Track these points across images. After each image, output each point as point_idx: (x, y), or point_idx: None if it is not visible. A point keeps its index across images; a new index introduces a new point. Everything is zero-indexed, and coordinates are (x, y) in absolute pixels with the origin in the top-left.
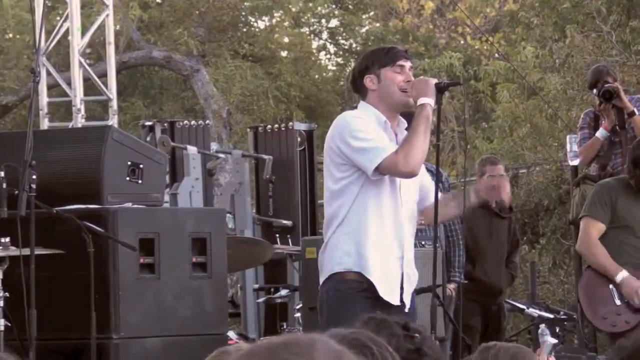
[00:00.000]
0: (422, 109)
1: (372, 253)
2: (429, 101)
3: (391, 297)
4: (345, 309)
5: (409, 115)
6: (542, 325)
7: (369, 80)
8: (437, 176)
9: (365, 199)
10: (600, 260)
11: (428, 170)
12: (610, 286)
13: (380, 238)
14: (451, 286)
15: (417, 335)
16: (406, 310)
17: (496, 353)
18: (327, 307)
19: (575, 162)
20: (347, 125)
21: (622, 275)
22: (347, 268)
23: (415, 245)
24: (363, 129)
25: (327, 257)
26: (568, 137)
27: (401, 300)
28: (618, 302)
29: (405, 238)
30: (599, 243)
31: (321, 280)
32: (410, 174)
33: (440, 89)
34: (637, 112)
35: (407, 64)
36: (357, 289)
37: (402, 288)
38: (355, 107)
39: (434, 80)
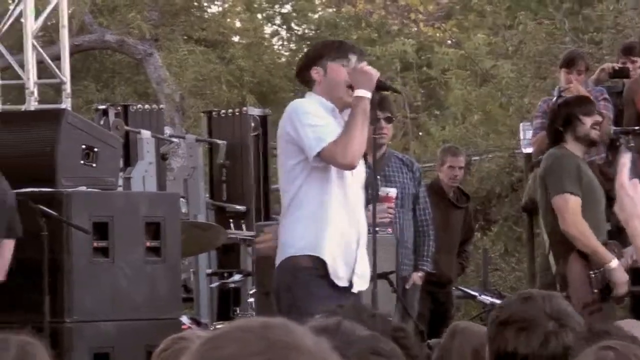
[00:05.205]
0: (359, 101)
1: (328, 237)
2: (366, 94)
3: (341, 281)
4: (304, 293)
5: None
6: None
7: (314, 72)
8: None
9: (319, 183)
10: (594, 243)
11: (398, 158)
12: (591, 273)
13: (337, 222)
14: (419, 274)
15: (401, 332)
16: (353, 291)
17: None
18: (284, 291)
19: (529, 150)
20: (297, 110)
21: (616, 261)
22: (302, 252)
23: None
24: (312, 113)
25: (282, 242)
26: (521, 125)
27: (350, 282)
28: (595, 290)
29: (360, 222)
30: (587, 225)
31: (277, 263)
32: (349, 166)
33: (379, 87)
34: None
35: (354, 58)
36: (313, 274)
37: (354, 272)
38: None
39: (377, 75)
